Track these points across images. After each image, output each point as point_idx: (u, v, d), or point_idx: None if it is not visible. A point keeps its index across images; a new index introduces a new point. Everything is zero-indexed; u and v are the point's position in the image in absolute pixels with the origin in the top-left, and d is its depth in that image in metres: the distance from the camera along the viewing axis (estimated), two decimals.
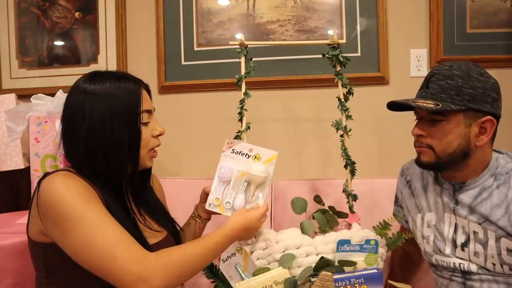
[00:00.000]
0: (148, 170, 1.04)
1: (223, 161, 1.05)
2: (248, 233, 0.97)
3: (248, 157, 1.04)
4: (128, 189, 0.98)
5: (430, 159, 0.98)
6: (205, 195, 1.08)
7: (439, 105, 0.92)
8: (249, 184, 1.02)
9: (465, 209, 0.99)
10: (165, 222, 1.05)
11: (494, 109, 0.94)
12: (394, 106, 1.02)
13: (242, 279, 0.96)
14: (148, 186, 1.06)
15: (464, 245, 0.99)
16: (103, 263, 0.79)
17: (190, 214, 1.16)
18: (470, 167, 0.98)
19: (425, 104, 0.93)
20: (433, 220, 1.06)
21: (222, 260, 1.00)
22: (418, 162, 1.02)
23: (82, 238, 0.79)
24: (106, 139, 0.88)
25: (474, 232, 0.97)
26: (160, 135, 0.98)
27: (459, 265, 1.00)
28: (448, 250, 1.02)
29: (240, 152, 1.06)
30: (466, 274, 1.00)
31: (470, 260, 0.99)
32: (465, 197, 0.99)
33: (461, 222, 1.00)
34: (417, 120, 1.02)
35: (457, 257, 1.01)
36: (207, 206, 1.02)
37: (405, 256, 1.29)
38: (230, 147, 1.07)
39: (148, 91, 0.99)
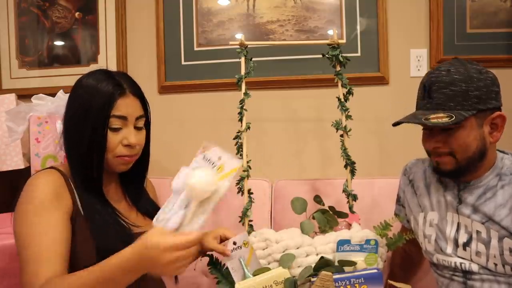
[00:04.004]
0: (141, 173, 1.06)
1: (188, 167, 0.84)
2: (145, 266, 0.73)
3: (214, 167, 0.82)
4: (122, 187, 1.02)
5: (451, 167, 0.97)
6: None
7: (452, 116, 0.91)
8: (190, 201, 0.77)
9: (468, 208, 0.99)
10: None
11: (498, 102, 0.96)
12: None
13: (244, 273, 0.96)
14: (140, 188, 1.08)
15: (466, 244, 0.99)
16: (21, 264, 0.84)
17: None
18: (483, 167, 0.98)
19: (439, 120, 0.92)
20: (436, 219, 1.05)
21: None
22: (438, 171, 1.01)
23: (24, 236, 0.85)
24: (73, 133, 0.92)
25: (477, 232, 0.97)
26: (129, 145, 0.94)
27: (460, 265, 1.00)
28: (449, 249, 1.02)
29: (209, 160, 0.84)
30: (467, 273, 1.00)
31: (471, 260, 0.99)
32: (469, 196, 0.99)
33: (464, 221, 1.00)
34: (424, 130, 1.01)
35: (458, 257, 1.01)
36: (154, 221, 0.82)
37: (406, 256, 1.29)
38: (203, 152, 0.88)
39: (141, 99, 0.97)
